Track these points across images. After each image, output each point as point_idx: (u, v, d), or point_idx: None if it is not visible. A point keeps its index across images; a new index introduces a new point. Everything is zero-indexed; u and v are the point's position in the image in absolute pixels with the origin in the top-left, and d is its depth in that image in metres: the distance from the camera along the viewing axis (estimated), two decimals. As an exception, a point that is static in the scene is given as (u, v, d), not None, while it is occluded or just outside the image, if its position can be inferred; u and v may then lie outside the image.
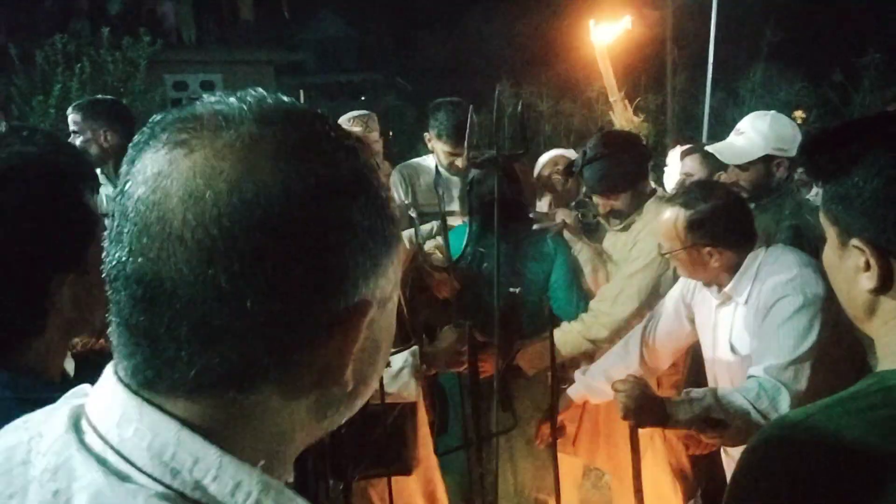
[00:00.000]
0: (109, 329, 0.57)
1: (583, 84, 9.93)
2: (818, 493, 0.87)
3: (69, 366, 1.31)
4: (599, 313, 2.58)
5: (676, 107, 10.75)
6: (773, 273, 2.03)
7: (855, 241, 0.94)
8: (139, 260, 0.52)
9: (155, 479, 0.52)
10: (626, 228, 2.68)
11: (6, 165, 0.97)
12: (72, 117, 3.18)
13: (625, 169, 2.61)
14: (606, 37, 4.36)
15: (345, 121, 3.44)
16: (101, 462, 0.53)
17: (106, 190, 2.83)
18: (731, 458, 2.18)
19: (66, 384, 1.10)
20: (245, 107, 0.55)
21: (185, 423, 0.53)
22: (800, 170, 2.97)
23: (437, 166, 3.24)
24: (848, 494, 0.85)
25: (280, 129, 0.54)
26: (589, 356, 2.65)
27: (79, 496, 0.52)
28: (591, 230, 2.86)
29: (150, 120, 0.57)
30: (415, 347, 1.97)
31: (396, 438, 2.09)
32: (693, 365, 2.55)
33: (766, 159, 2.70)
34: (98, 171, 3.17)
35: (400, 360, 1.95)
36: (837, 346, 1.95)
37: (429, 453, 2.33)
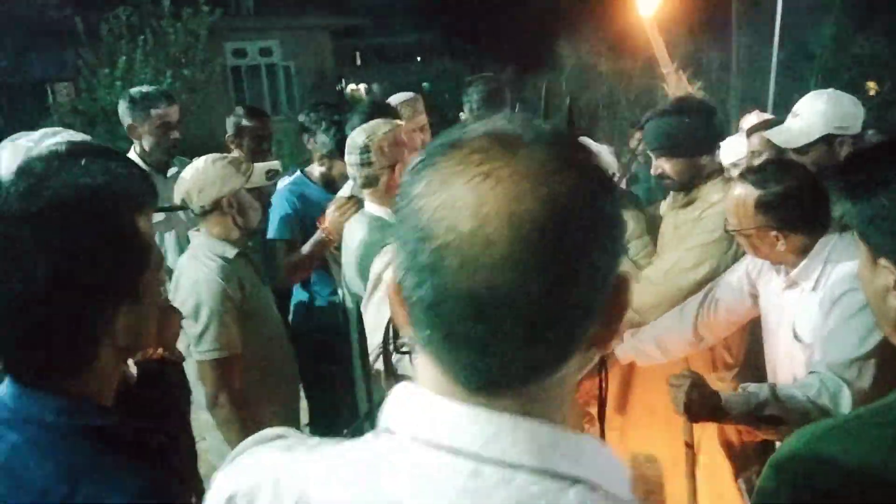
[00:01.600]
0: (419, 345, 0.65)
1: (644, 42, 9.60)
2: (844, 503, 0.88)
3: (132, 370, 1.38)
4: (649, 283, 2.52)
5: (743, 63, 10.29)
6: (843, 262, 1.95)
7: (883, 262, 0.95)
8: (469, 280, 0.58)
9: (557, 475, 0.61)
10: (685, 206, 2.61)
11: (60, 201, 0.99)
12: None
13: (688, 133, 2.51)
14: (650, 6, 4.18)
15: (394, 104, 3.43)
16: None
17: None
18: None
19: (127, 396, 1.16)
20: (523, 130, 0.63)
21: (527, 413, 0.63)
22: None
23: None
24: None
25: (559, 145, 0.63)
26: (634, 326, 2.59)
27: None
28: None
29: (428, 151, 0.65)
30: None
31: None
32: (751, 350, 2.50)
33: (828, 139, 2.59)
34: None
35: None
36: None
37: None
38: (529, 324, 0.60)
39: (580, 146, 0.65)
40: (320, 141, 3.25)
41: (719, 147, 2.64)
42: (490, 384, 0.63)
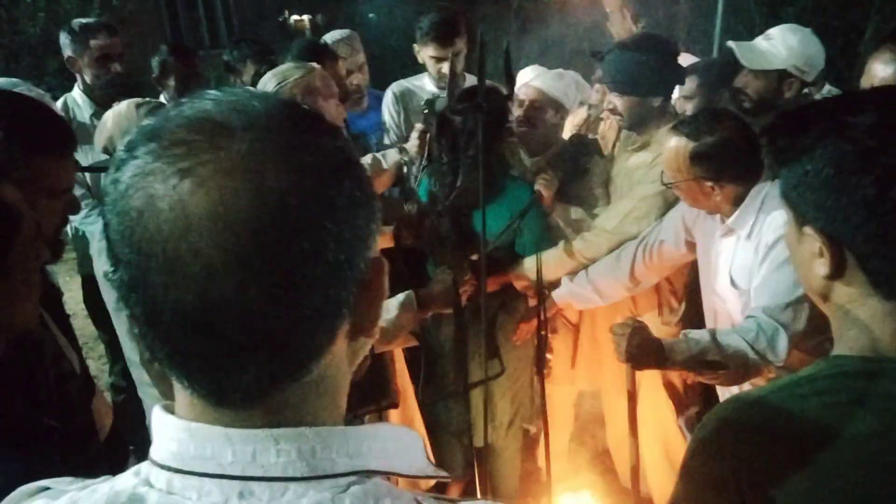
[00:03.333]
0: (156, 366, 0.59)
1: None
2: (768, 473, 0.89)
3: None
4: (602, 231, 2.53)
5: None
6: (777, 208, 1.98)
7: (808, 229, 0.94)
8: (181, 294, 0.53)
9: (332, 476, 0.57)
10: (639, 149, 2.59)
11: None
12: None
13: (642, 71, 2.47)
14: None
15: (329, 44, 3.28)
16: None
17: None
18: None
19: None
20: (232, 117, 0.55)
21: (282, 421, 0.58)
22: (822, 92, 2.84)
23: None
24: (797, 477, 0.88)
25: (274, 133, 0.55)
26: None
27: None
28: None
29: (131, 139, 0.56)
30: (410, 291, 1.96)
31: (381, 375, 2.12)
32: (696, 295, 2.54)
33: (782, 75, 2.60)
34: None
35: (395, 301, 1.94)
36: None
37: (406, 387, 2.36)
38: (257, 334, 0.54)
39: (308, 128, 0.58)
40: (246, 82, 3.13)
41: (672, 90, 2.62)
42: (233, 398, 0.58)
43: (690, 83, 2.92)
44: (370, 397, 1.91)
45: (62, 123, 1.48)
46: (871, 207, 0.87)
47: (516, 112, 2.71)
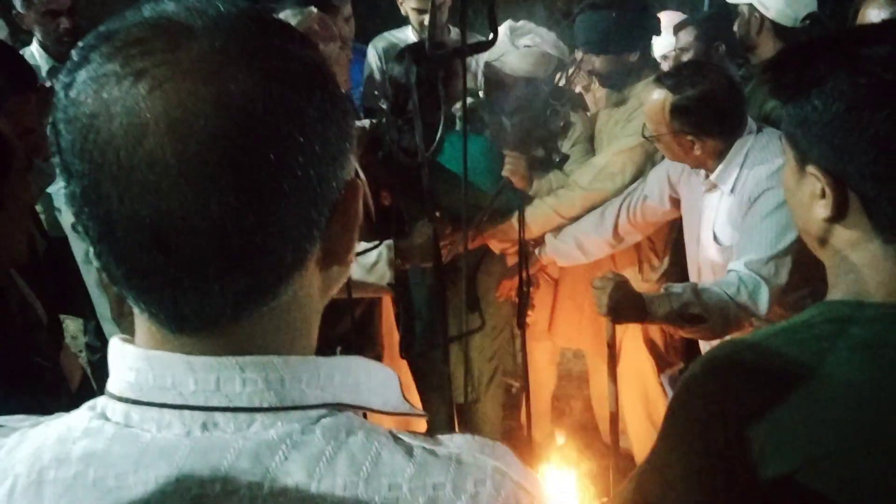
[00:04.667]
0: (114, 286, 0.54)
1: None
2: (757, 415, 0.87)
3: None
4: (577, 188, 2.50)
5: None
6: (760, 163, 1.97)
7: (811, 168, 0.89)
8: (136, 206, 0.48)
9: (301, 408, 0.54)
10: (618, 105, 2.56)
11: None
12: None
13: (615, 29, 2.42)
14: None
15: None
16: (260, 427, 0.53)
17: None
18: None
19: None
20: (193, 17, 0.51)
21: (247, 349, 0.54)
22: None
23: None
24: (788, 420, 0.86)
25: (237, 34, 0.51)
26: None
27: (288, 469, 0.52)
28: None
29: (83, 44, 0.52)
30: (389, 241, 1.92)
31: (368, 326, 2.09)
32: (676, 252, 2.53)
33: (750, 9, 2.60)
34: None
35: (374, 253, 1.91)
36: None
37: (392, 337, 2.34)
38: (219, 252, 0.50)
39: (276, 33, 0.54)
40: None
41: (650, 43, 2.57)
42: (196, 323, 0.53)
43: (687, 35, 2.88)
44: (355, 347, 1.88)
45: (21, 59, 1.42)
46: (882, 145, 0.82)
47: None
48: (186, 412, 0.53)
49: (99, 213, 0.50)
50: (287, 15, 2.21)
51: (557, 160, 2.61)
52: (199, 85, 0.48)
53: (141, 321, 0.56)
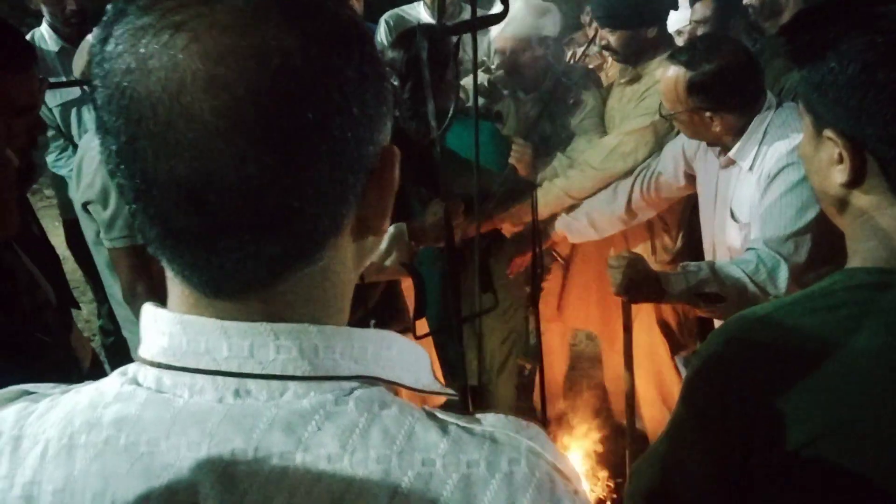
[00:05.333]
0: (150, 247, 0.53)
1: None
2: (775, 388, 0.86)
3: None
4: (587, 167, 2.46)
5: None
6: (779, 138, 1.92)
7: (828, 132, 0.87)
8: (172, 164, 0.48)
9: (334, 378, 0.53)
10: (632, 82, 2.52)
11: None
12: None
13: (631, 2, 2.38)
14: None
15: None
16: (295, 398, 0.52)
17: None
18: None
19: None
20: None
21: (282, 316, 0.53)
22: None
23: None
24: (806, 391, 0.84)
25: None
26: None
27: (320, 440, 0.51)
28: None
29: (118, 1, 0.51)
30: (399, 223, 1.90)
31: (394, 299, 2.07)
32: (690, 234, 2.49)
33: None
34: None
35: (387, 235, 1.88)
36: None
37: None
38: (255, 212, 0.49)
39: None
40: None
41: (667, 18, 2.53)
42: (230, 287, 0.52)
43: (704, 8, 2.83)
44: (382, 321, 1.87)
45: (20, 36, 1.39)
46: None
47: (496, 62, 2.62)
48: (219, 378, 0.52)
49: (134, 171, 0.49)
50: None
51: (563, 135, 2.58)
52: (238, 39, 0.47)
53: (174, 285, 0.55)
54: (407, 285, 2.21)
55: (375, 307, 1.77)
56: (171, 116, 0.47)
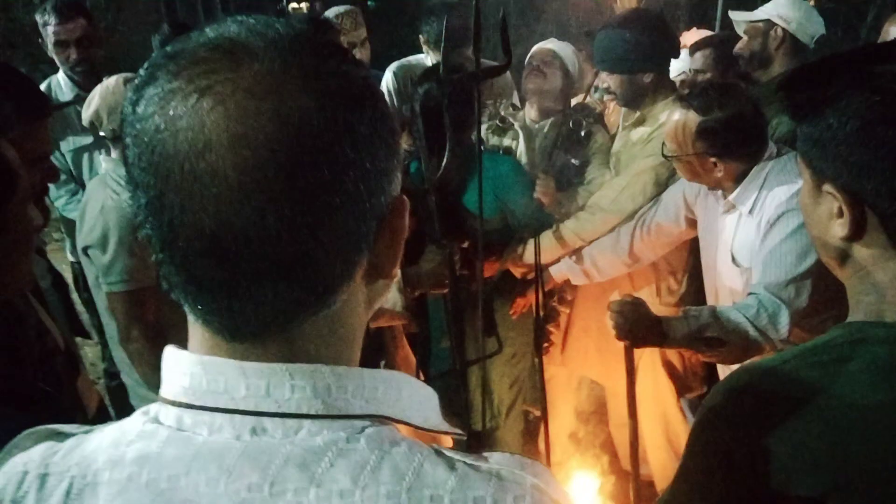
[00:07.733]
0: (173, 293, 0.57)
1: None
2: (780, 441, 0.86)
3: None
4: (597, 209, 2.48)
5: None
6: (779, 184, 1.95)
7: (828, 187, 0.89)
8: (197, 216, 0.51)
9: (346, 417, 0.55)
10: (636, 125, 2.56)
11: None
12: None
13: (629, 48, 2.43)
14: None
15: (332, 17, 3.23)
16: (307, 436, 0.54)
17: None
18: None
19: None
20: (254, 38, 0.54)
21: (297, 356, 0.56)
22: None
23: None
24: (812, 445, 0.84)
25: (296, 55, 0.54)
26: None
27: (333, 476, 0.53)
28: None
29: (151, 62, 0.55)
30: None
31: (380, 343, 2.06)
32: (695, 277, 2.50)
33: (767, 27, 2.69)
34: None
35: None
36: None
37: (408, 359, 2.32)
38: (274, 261, 0.53)
39: (331, 55, 0.56)
40: None
41: (666, 64, 2.57)
42: (249, 330, 0.56)
43: (703, 57, 2.88)
44: (370, 364, 1.88)
45: (36, 87, 1.44)
46: None
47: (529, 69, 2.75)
48: (237, 416, 0.55)
49: (162, 223, 0.53)
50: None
51: (578, 164, 2.63)
52: (259, 102, 0.51)
53: (195, 328, 0.59)
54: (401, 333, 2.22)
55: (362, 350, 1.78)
56: (197, 173, 0.50)
